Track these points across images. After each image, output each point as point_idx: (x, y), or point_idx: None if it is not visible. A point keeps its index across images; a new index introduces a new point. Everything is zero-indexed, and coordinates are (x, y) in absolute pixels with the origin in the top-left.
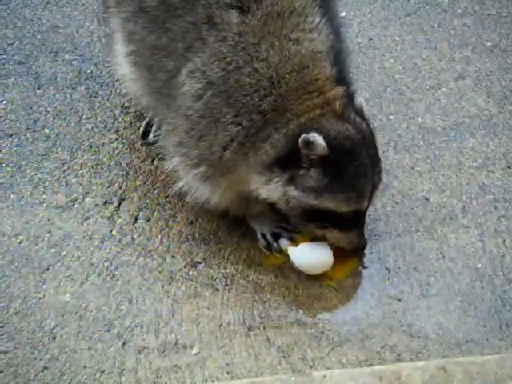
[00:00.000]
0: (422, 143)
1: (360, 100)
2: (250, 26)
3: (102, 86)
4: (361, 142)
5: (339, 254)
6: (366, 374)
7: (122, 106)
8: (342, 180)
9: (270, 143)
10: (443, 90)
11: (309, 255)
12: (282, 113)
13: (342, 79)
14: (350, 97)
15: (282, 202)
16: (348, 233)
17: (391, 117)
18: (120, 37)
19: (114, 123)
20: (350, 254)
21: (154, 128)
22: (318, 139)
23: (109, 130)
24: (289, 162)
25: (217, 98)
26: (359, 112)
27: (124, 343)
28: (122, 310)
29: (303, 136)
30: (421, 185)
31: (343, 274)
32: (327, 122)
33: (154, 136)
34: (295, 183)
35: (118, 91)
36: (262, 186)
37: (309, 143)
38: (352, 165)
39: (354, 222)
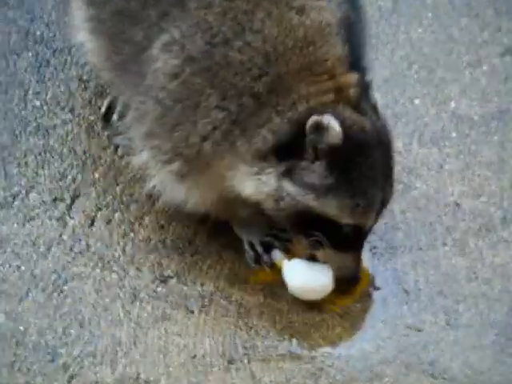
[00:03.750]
0: (454, 134)
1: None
2: None
3: (54, 52)
4: (376, 142)
5: None
6: None
7: (80, 79)
8: (351, 182)
9: (269, 129)
10: (484, 68)
11: (303, 274)
12: (285, 95)
13: (355, 62)
14: (365, 87)
15: (271, 199)
16: (342, 254)
17: (416, 101)
18: None
19: (68, 100)
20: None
21: (118, 108)
22: (334, 123)
23: (62, 109)
24: (289, 151)
25: (198, 77)
26: (374, 109)
27: (71, 377)
28: (70, 334)
29: (314, 118)
30: (451, 187)
31: (350, 297)
32: (342, 109)
33: (119, 117)
34: (293, 177)
35: (74, 60)
36: (250, 178)
37: (320, 128)
38: (365, 165)
39: (353, 241)
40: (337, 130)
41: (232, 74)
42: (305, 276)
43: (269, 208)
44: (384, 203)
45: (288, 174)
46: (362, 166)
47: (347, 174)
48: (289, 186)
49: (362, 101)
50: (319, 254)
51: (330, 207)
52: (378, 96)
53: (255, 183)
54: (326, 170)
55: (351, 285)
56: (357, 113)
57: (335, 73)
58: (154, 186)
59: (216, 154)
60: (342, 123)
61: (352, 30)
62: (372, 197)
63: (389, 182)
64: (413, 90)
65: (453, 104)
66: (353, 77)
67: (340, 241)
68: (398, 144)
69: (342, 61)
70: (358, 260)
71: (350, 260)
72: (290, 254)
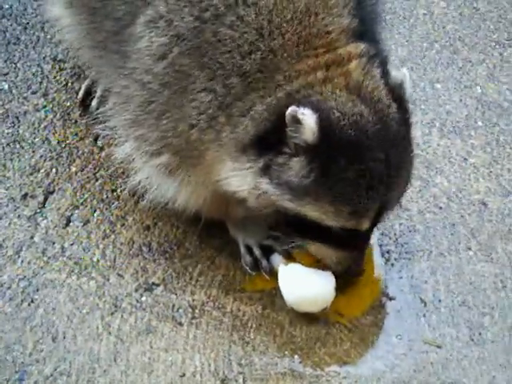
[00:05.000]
0: (480, 123)
1: (403, 72)
2: None
3: (25, 28)
4: (378, 136)
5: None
6: None
7: (55, 59)
8: (332, 185)
9: (251, 117)
10: None
11: (300, 281)
12: (271, 75)
13: (367, 34)
14: (376, 60)
15: (252, 198)
16: (338, 251)
17: (438, 85)
18: None
19: (41, 83)
20: (370, 280)
21: (97, 93)
22: (308, 119)
23: (34, 93)
24: (269, 143)
25: (186, 58)
26: (395, 90)
27: None
28: (41, 350)
29: (290, 109)
30: (476, 183)
31: (360, 307)
32: (331, 93)
33: (99, 103)
34: (270, 173)
35: (48, 37)
36: (232, 174)
37: (297, 121)
38: (353, 167)
39: (350, 240)
40: (311, 126)
41: (221, 52)
42: (302, 283)
43: (253, 206)
44: (385, 208)
45: (266, 170)
46: (349, 167)
47: (328, 177)
48: (265, 184)
49: (367, 78)
50: (312, 248)
51: (308, 211)
52: None
53: (236, 179)
54: (304, 169)
55: (352, 280)
56: (355, 96)
57: (337, 45)
58: (139, 182)
59: (204, 144)
60: (326, 115)
61: (363, 2)
62: (361, 203)
63: (394, 184)
64: (434, 73)
65: (479, 89)
66: (357, 47)
67: (333, 239)
68: (415, 134)
69: (347, 33)
70: (359, 255)
71: (347, 257)
72: (292, 259)
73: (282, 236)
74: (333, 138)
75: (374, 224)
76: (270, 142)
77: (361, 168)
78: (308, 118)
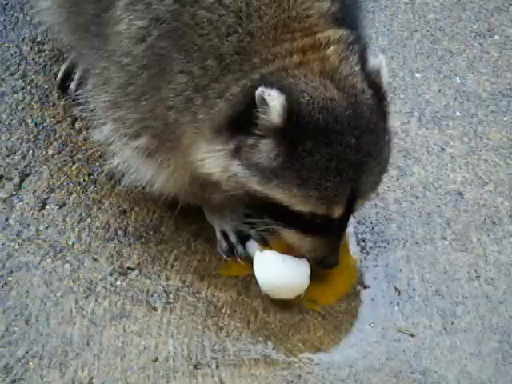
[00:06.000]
0: (458, 114)
1: (379, 59)
2: None
3: (4, 9)
4: (349, 121)
5: None
6: None
7: (33, 41)
8: (299, 168)
9: (226, 99)
10: (496, 38)
11: (274, 267)
12: (248, 57)
13: (347, 20)
14: (354, 47)
15: (223, 180)
16: (310, 237)
17: (417, 75)
18: None
19: (19, 65)
20: (345, 268)
21: (76, 75)
22: (274, 100)
23: (11, 75)
24: (241, 125)
25: (165, 41)
26: (371, 76)
27: (14, 381)
28: (13, 333)
29: (258, 90)
30: (453, 173)
31: (334, 295)
32: (304, 77)
33: (78, 85)
34: (240, 155)
35: (28, 18)
36: (205, 156)
37: (264, 102)
38: (322, 151)
39: (323, 228)
40: (277, 108)
41: (199, 34)
42: (277, 269)
43: (227, 190)
44: (358, 195)
45: (237, 151)
46: (318, 151)
47: (295, 160)
48: (235, 166)
49: (344, 64)
50: (284, 234)
51: (276, 194)
52: None
53: (209, 161)
54: (272, 151)
55: (325, 269)
56: (329, 80)
57: (316, 30)
58: (117, 165)
59: (181, 126)
60: (295, 97)
61: None
62: (329, 188)
63: (366, 171)
64: (413, 63)
65: (458, 79)
66: (335, 32)
67: (305, 226)
68: (394, 123)
69: (326, 18)
70: (333, 244)
71: (320, 244)
72: (268, 246)
73: (256, 221)
74: (301, 120)
75: (348, 212)
76: (242, 123)
77: (328, 152)
78: (274, 100)
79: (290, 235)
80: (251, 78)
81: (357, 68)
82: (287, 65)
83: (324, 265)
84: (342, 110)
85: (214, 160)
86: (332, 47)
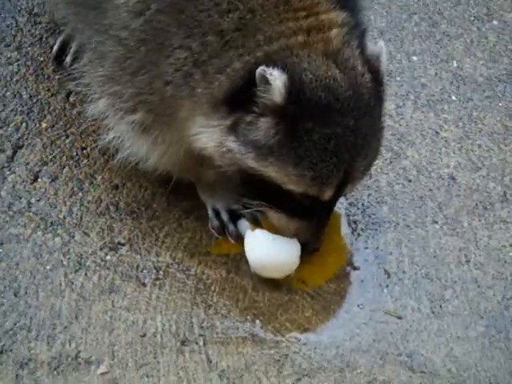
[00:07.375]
0: (454, 98)
1: (380, 45)
2: None
3: None
4: (349, 102)
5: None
6: None
7: (30, 13)
8: (297, 146)
9: (227, 74)
10: (494, 22)
11: (265, 246)
12: (251, 34)
13: (347, 2)
14: (355, 31)
15: (217, 155)
16: (296, 220)
17: (414, 57)
18: None
19: (15, 36)
20: (335, 249)
21: (72, 48)
22: (275, 79)
23: (7, 46)
24: (240, 102)
25: (163, 15)
26: (371, 61)
27: (1, 352)
28: (2, 304)
29: (259, 68)
30: (446, 158)
31: (324, 276)
32: (307, 56)
33: (73, 59)
34: (237, 131)
35: None
36: (201, 131)
37: (265, 81)
38: (320, 130)
39: (310, 210)
40: (279, 87)
41: (199, 10)
42: (267, 248)
43: (219, 164)
44: (350, 179)
45: (234, 128)
46: (316, 130)
47: (294, 139)
48: (231, 142)
49: (346, 46)
50: (271, 215)
51: (270, 171)
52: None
53: (205, 135)
54: (270, 129)
55: (309, 253)
56: (331, 61)
57: (318, 10)
58: (112, 139)
59: (178, 100)
60: (298, 76)
61: None
62: (324, 169)
63: (361, 155)
64: (411, 46)
65: (455, 63)
66: (338, 15)
67: (292, 208)
68: (389, 106)
69: None
70: (318, 227)
71: (306, 227)
72: (260, 226)
73: (246, 200)
74: (302, 99)
75: (336, 195)
76: (241, 100)
77: (327, 132)
78: (276, 79)
79: (276, 217)
80: (255, 55)
81: (357, 52)
82: (292, 44)
83: (306, 248)
84: (344, 90)
85: (209, 134)
86: (335, 29)
